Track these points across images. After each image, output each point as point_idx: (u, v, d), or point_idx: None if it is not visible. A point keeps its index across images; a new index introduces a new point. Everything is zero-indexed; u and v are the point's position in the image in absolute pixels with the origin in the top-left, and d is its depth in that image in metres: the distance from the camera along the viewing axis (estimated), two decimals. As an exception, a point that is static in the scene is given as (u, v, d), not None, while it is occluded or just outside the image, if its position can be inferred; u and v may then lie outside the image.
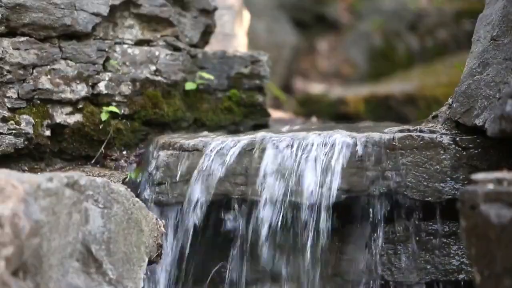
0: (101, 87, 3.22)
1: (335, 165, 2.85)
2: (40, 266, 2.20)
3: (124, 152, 3.26)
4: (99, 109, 3.21)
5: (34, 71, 3.09)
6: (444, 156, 2.86)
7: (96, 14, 3.18)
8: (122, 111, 3.25)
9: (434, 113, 3.10)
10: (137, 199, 2.57)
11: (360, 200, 2.87)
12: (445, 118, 3.00)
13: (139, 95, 3.29)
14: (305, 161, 2.87)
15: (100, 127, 3.21)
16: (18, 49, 3.05)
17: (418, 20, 7.57)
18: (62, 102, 3.15)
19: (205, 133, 3.33)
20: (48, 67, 3.11)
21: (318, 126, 3.85)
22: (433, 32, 7.40)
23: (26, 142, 3.05)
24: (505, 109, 2.46)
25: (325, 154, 2.87)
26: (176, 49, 3.39)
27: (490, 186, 2.12)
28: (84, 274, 2.39)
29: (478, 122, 2.83)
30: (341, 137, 2.89)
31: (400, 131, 2.94)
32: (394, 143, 2.87)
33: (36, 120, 3.08)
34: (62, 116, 3.16)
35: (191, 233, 2.96)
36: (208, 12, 3.49)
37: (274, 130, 3.28)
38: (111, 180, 2.65)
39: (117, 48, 3.27)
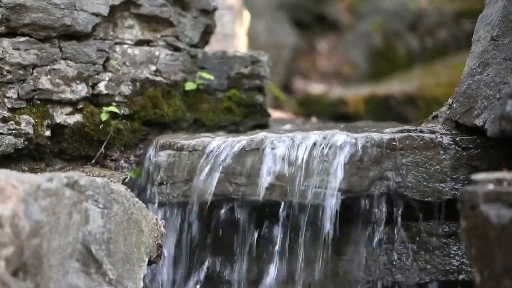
0: (101, 87, 3.22)
1: (335, 165, 2.85)
2: (40, 266, 2.20)
3: (124, 153, 3.26)
4: (99, 109, 3.21)
5: (34, 71, 3.09)
6: (444, 156, 2.87)
7: (96, 14, 3.18)
8: (122, 111, 3.25)
9: (434, 113, 3.10)
10: (137, 199, 2.57)
11: (360, 200, 2.87)
12: (445, 118, 3.00)
13: (139, 95, 3.29)
14: (305, 161, 2.87)
15: (100, 127, 3.21)
16: (18, 49, 3.05)
17: (418, 20, 7.57)
18: (62, 102, 3.15)
19: (205, 133, 3.33)
20: (48, 67, 3.11)
21: (318, 126, 3.85)
22: (433, 32, 7.40)
23: (26, 142, 3.05)
24: (505, 109, 2.46)
25: (325, 154, 2.87)
26: (176, 49, 3.39)
27: (490, 186, 2.12)
28: (84, 274, 2.39)
29: (478, 122, 2.84)
30: (341, 137, 2.89)
31: (400, 131, 2.94)
32: (394, 143, 2.87)
33: (36, 120, 3.08)
34: (62, 116, 3.16)
35: (191, 233, 2.97)
36: (208, 12, 3.49)
37: (274, 130, 3.28)
38: (111, 180, 2.65)
39: (117, 48, 3.27)
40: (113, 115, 3.23)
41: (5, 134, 3.01)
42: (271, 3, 7.56)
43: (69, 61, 3.15)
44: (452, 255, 2.87)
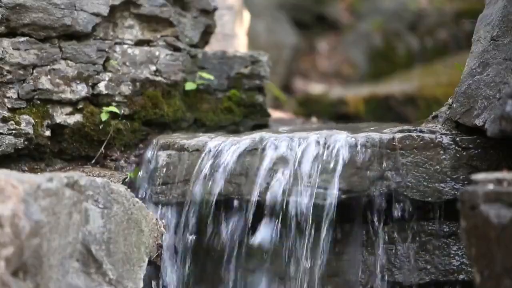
0: (101, 87, 3.22)
1: (335, 166, 2.85)
2: (40, 266, 2.20)
3: (124, 153, 3.26)
4: (99, 109, 3.21)
5: (34, 71, 3.09)
6: (444, 156, 2.87)
7: (96, 14, 3.18)
8: (122, 111, 3.25)
9: (434, 113, 3.10)
10: (137, 199, 2.57)
11: (360, 200, 2.87)
12: (445, 118, 3.00)
13: (139, 95, 3.29)
14: (305, 161, 2.87)
15: (100, 127, 3.21)
16: (18, 49, 3.05)
17: (418, 20, 7.57)
18: (62, 102, 3.15)
19: (205, 133, 3.33)
20: (48, 67, 3.11)
21: (318, 126, 3.85)
22: (433, 32, 7.40)
23: (26, 142, 3.05)
24: (505, 109, 2.46)
25: (325, 154, 2.87)
26: (176, 49, 3.39)
27: (490, 186, 2.12)
28: (84, 274, 2.39)
29: (478, 122, 2.84)
30: (341, 137, 2.89)
31: (400, 131, 2.93)
32: (394, 143, 2.87)
33: (36, 120, 3.08)
34: (62, 116, 3.16)
35: (191, 233, 2.96)
36: (208, 12, 3.49)
37: (274, 130, 3.28)
38: (111, 180, 2.65)
39: (117, 48, 3.27)
40: (113, 115, 3.23)
41: (5, 134, 3.01)
42: (271, 3, 7.56)
43: (69, 61, 3.15)
44: (452, 255, 2.87)
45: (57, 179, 2.29)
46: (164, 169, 3.03)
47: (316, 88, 7.14)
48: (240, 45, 4.57)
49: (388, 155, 2.86)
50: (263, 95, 3.52)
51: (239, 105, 3.47)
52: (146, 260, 2.56)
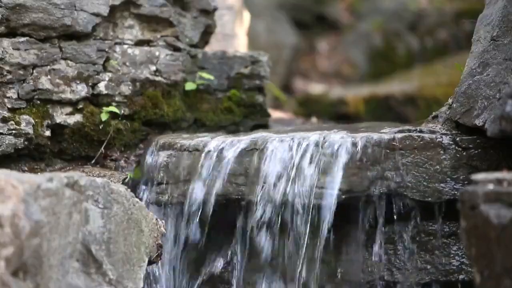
0: (101, 87, 3.22)
1: (335, 166, 2.85)
2: (40, 266, 2.20)
3: (124, 153, 3.26)
4: (99, 109, 3.21)
5: (34, 71, 3.09)
6: (444, 156, 2.87)
7: (96, 14, 3.18)
8: (122, 111, 3.25)
9: (434, 113, 3.10)
10: (137, 199, 2.57)
11: (360, 200, 2.87)
12: (445, 118, 3.00)
13: (139, 95, 3.29)
14: (305, 162, 2.87)
15: (100, 127, 3.21)
16: (18, 49, 3.05)
17: (418, 20, 7.57)
18: (62, 102, 3.15)
19: (205, 133, 3.33)
20: (48, 67, 3.11)
21: (318, 126, 3.85)
22: (433, 32, 7.40)
23: (26, 142, 3.05)
24: (505, 109, 2.46)
25: (325, 154, 2.87)
26: (176, 49, 3.39)
27: (490, 186, 2.12)
28: (84, 275, 2.39)
29: (478, 122, 2.84)
30: (341, 137, 2.89)
31: (400, 131, 2.93)
32: (394, 143, 2.87)
33: (36, 120, 3.08)
34: (62, 116, 3.16)
35: (191, 233, 2.97)
36: (208, 12, 3.49)
37: (274, 130, 3.28)
38: (111, 180, 2.64)
39: (117, 48, 3.27)
40: (113, 115, 3.23)
41: (5, 134, 3.01)
42: (271, 3, 7.56)
43: (69, 61, 3.15)
44: (452, 255, 2.87)
45: (57, 179, 2.29)
46: (164, 169, 3.03)
47: (316, 88, 7.14)
48: (240, 45, 4.57)
49: (388, 155, 2.86)
50: (263, 95, 3.52)
51: (239, 105, 3.47)
52: (146, 260, 2.56)
